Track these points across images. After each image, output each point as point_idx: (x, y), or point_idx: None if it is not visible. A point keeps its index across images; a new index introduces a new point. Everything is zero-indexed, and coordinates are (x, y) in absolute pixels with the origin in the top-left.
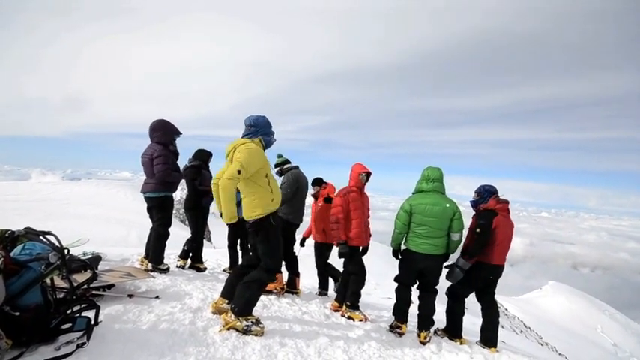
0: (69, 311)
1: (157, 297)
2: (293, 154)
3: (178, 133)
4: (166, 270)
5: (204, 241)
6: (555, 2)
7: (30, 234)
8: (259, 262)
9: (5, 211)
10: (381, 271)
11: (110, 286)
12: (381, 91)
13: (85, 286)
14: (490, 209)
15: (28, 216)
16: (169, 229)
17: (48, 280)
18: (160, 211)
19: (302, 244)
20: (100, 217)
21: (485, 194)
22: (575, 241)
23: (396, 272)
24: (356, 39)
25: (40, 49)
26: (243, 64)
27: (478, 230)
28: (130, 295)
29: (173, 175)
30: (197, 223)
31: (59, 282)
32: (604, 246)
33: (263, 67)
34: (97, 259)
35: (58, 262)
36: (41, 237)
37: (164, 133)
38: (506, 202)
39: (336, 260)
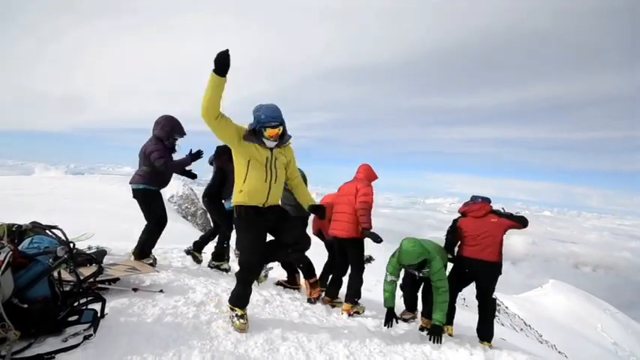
0: (76, 304)
1: (161, 291)
2: (296, 151)
3: (180, 132)
4: (152, 264)
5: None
6: (559, 0)
7: (36, 228)
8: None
9: (9, 205)
10: (381, 268)
11: (115, 280)
12: (385, 88)
13: (91, 280)
14: (459, 215)
15: (32, 210)
16: (162, 225)
17: (55, 274)
18: (140, 204)
19: None
20: (102, 211)
21: (469, 202)
22: (577, 240)
23: None
24: (360, 36)
25: (43, 45)
26: (246, 61)
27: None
28: (135, 289)
29: (171, 165)
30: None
31: (66, 275)
32: (606, 245)
33: (266, 63)
34: (102, 253)
35: (66, 256)
36: (47, 231)
37: (162, 128)
38: (476, 203)
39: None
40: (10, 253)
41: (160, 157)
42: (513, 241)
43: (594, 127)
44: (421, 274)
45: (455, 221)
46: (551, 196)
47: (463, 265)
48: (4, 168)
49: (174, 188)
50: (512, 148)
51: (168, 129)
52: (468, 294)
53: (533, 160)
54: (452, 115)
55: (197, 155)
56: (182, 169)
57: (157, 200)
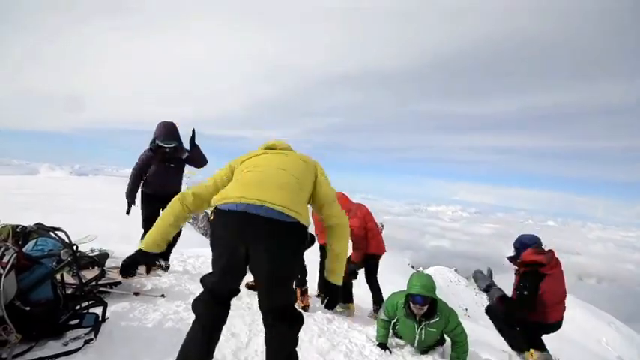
0: (77, 307)
1: (163, 295)
2: None
3: (163, 138)
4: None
5: (208, 240)
6: (567, 5)
7: (41, 230)
8: None
9: (13, 205)
10: (379, 276)
11: (117, 284)
12: (388, 94)
13: (93, 283)
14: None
15: (36, 211)
16: (147, 227)
17: (58, 276)
18: None
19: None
20: (105, 213)
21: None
22: (582, 252)
23: (395, 278)
24: (364, 41)
25: (47, 45)
26: (251, 64)
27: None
28: (136, 293)
29: (131, 175)
30: None
31: (68, 278)
32: (611, 257)
33: (267, 66)
34: (104, 256)
35: (69, 259)
36: (51, 233)
37: (153, 134)
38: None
39: None
40: (15, 254)
41: (136, 164)
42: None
43: (601, 137)
44: (425, 324)
45: (533, 277)
46: (555, 206)
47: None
48: (10, 168)
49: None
50: (516, 156)
51: (154, 135)
52: (471, 304)
53: (538, 169)
54: (455, 122)
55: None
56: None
57: (144, 203)
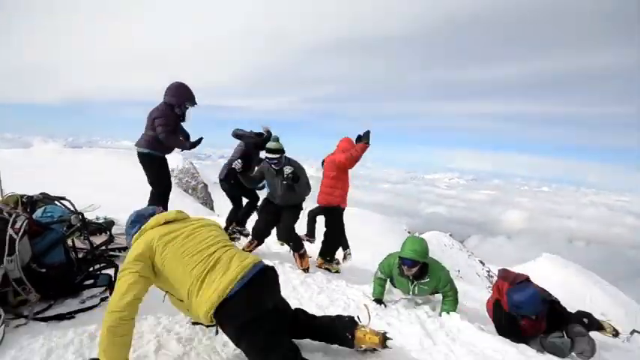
0: (90, 269)
1: None
2: (295, 124)
3: (191, 101)
4: None
5: (207, 209)
6: None
7: (46, 199)
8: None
9: (8, 178)
10: (376, 241)
11: (125, 248)
12: (386, 61)
13: (103, 248)
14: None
15: (32, 184)
16: (167, 192)
17: (69, 241)
18: (144, 169)
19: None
20: (102, 184)
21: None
22: (574, 216)
23: (392, 243)
24: (362, 5)
25: (38, 13)
26: (247, 34)
27: None
28: None
29: (172, 139)
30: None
31: (78, 244)
32: (602, 220)
33: (262, 33)
34: (111, 223)
35: (79, 225)
36: (56, 202)
37: (174, 95)
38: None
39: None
40: (26, 221)
41: (164, 125)
42: (510, 216)
43: (599, 103)
44: (415, 284)
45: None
46: (551, 172)
47: None
48: (3, 141)
49: (175, 162)
50: (513, 122)
51: (180, 96)
52: (463, 266)
53: (535, 135)
54: (453, 89)
55: (197, 143)
56: (179, 146)
57: (162, 167)
